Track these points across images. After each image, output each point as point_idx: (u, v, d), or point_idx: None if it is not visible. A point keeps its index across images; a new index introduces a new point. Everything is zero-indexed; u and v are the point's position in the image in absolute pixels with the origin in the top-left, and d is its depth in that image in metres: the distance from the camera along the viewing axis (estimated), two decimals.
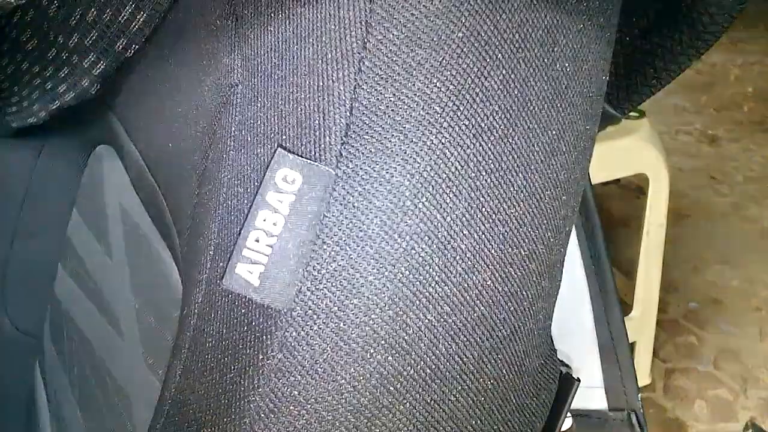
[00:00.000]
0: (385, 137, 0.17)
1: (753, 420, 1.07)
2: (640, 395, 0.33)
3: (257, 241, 0.17)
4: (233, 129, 0.19)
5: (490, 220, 0.18)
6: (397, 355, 0.17)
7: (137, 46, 0.28)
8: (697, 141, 1.97)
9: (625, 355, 0.33)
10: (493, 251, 0.18)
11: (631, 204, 1.42)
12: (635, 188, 1.45)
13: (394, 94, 0.17)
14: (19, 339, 0.51)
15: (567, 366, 0.24)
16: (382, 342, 0.17)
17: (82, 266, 0.44)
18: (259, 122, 0.18)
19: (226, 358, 0.18)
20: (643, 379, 1.08)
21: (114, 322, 0.36)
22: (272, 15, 0.18)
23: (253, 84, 0.19)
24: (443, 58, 0.17)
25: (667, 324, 1.27)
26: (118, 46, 0.27)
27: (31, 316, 0.50)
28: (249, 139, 0.18)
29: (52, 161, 0.47)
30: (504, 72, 0.18)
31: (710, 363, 1.20)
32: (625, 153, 0.91)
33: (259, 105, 0.18)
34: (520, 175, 0.18)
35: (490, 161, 0.18)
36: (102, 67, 0.30)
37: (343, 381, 0.17)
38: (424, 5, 0.17)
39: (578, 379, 0.23)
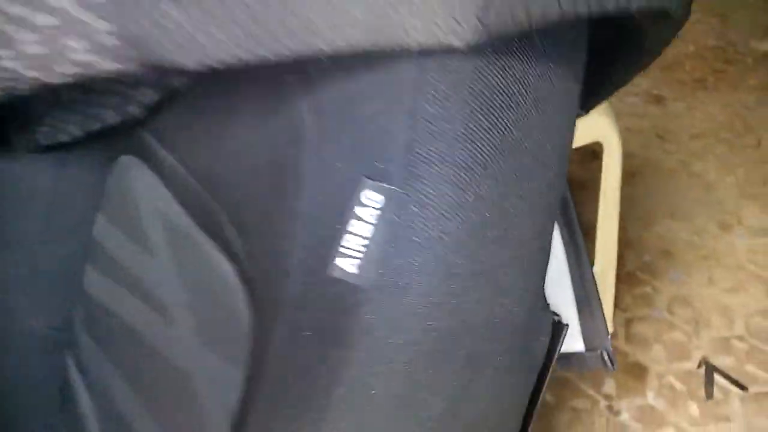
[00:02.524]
0: (437, 179, 0.22)
1: (705, 358, 1.16)
2: (609, 337, 0.41)
3: (351, 240, 0.23)
4: (306, 160, 0.24)
5: (506, 228, 0.24)
6: (449, 314, 0.23)
7: (192, 83, 0.32)
8: (644, 102, 2.04)
9: (597, 306, 0.40)
10: (511, 246, 0.25)
11: (587, 167, 1.48)
12: (590, 153, 1.52)
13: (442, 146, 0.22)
14: (50, 335, 0.55)
15: (557, 315, 0.30)
16: (440, 306, 0.23)
17: (117, 264, 0.48)
18: (333, 159, 0.24)
19: (325, 338, 0.24)
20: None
21: (163, 312, 0.41)
22: (339, 76, 0.23)
23: (322, 128, 0.24)
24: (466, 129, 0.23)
25: (624, 277, 1.34)
26: (175, 82, 0.32)
27: (61, 314, 0.54)
28: (325, 167, 0.24)
29: (77, 170, 0.50)
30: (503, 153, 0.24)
31: (665, 310, 1.27)
32: (582, 125, 0.98)
33: (330, 145, 0.24)
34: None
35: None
36: (155, 99, 0.34)
37: (419, 334, 0.23)
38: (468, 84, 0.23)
39: (567, 325, 0.30)
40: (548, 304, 0.29)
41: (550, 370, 0.34)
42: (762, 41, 2.16)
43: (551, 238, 0.28)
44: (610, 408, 1.07)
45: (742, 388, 1.09)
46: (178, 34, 0.21)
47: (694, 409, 1.07)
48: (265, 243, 0.28)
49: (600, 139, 1.01)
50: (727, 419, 1.04)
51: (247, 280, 0.33)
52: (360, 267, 0.23)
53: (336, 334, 0.24)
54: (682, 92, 2.06)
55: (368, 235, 0.22)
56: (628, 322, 1.26)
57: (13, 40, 0.26)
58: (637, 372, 1.14)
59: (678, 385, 1.11)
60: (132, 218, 0.48)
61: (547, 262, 0.29)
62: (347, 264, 0.23)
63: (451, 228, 0.23)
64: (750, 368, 1.13)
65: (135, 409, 0.45)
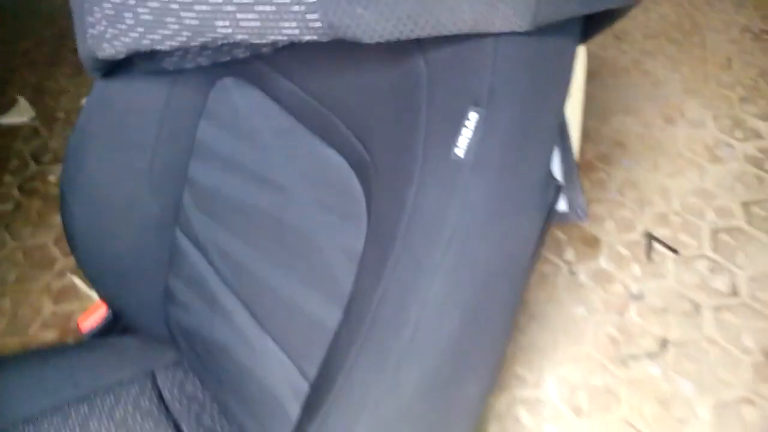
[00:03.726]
0: (510, 102, 0.39)
1: (647, 230, 1.39)
2: (583, 200, 0.59)
3: (461, 140, 0.39)
4: (421, 95, 0.40)
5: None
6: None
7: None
8: None
9: (576, 178, 0.59)
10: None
11: None
12: None
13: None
14: (163, 214, 0.70)
15: (555, 179, 0.48)
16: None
17: (219, 156, 0.64)
18: (441, 94, 0.39)
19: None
20: None
21: (280, 189, 0.58)
22: (443, 41, 0.38)
23: (432, 75, 0.40)
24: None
25: (584, 165, 1.52)
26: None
27: (172, 197, 0.70)
28: (435, 98, 0.39)
29: (184, 88, 0.64)
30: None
31: (616, 192, 1.46)
32: None
33: (439, 86, 0.39)
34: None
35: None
36: (286, 43, 0.48)
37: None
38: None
39: (562, 185, 0.47)
40: (552, 174, 0.47)
41: (550, 220, 0.53)
42: None
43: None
44: (570, 271, 1.30)
45: (675, 252, 1.33)
46: (362, 21, 0.37)
47: (636, 269, 1.30)
48: (388, 154, 0.44)
49: None
50: (662, 276, 1.28)
51: (358, 168, 0.50)
52: (465, 154, 0.39)
53: (439, 203, 0.40)
54: None
55: (470, 136, 0.39)
56: (587, 203, 1.46)
57: (234, 16, 0.42)
58: (592, 242, 1.36)
59: (624, 251, 1.34)
60: (233, 122, 0.63)
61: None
62: (461, 150, 0.39)
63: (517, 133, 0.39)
64: (682, 237, 1.36)
65: (251, 259, 0.62)
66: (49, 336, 1.16)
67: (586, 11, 0.39)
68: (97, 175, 0.68)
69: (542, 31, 0.37)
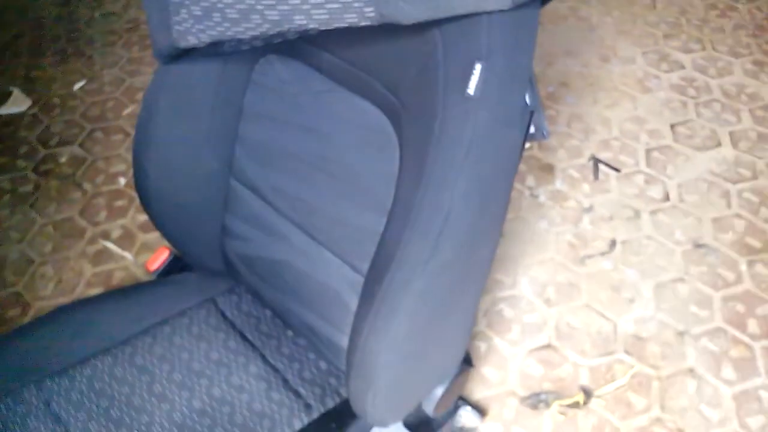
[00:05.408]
0: (502, 55, 0.58)
1: (593, 155, 1.62)
2: (546, 123, 0.81)
3: (471, 83, 0.58)
4: (438, 57, 0.59)
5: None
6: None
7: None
8: None
9: (540, 107, 0.80)
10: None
11: None
12: None
13: None
14: (219, 166, 0.88)
15: (528, 106, 0.68)
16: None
17: (269, 116, 0.82)
18: (454, 55, 0.58)
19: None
20: None
21: (322, 137, 0.77)
22: (453, 19, 0.58)
23: (446, 43, 0.59)
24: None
25: None
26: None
27: (226, 152, 0.88)
28: (449, 60, 0.58)
29: (234, 63, 0.82)
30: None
31: (565, 126, 1.68)
32: None
33: (452, 49, 0.58)
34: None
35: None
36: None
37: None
38: None
39: (533, 112, 0.68)
40: (527, 103, 0.68)
41: (526, 138, 0.74)
42: None
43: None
44: (532, 194, 1.53)
45: (617, 170, 1.57)
46: (403, 10, 0.56)
47: (586, 187, 1.54)
48: (415, 99, 0.63)
49: None
50: (607, 191, 1.53)
51: (389, 113, 0.69)
52: (474, 92, 0.59)
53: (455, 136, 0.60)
54: None
55: (477, 80, 0.58)
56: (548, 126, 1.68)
57: (309, 12, 0.61)
58: (548, 169, 1.58)
59: (575, 174, 1.57)
60: (278, 89, 0.81)
61: None
62: (471, 89, 0.59)
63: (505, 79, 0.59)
64: (622, 158, 1.60)
65: (303, 190, 0.81)
66: (94, 294, 1.33)
67: None
68: (165, 140, 0.86)
69: (517, 6, 0.58)
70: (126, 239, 1.45)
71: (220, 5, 0.65)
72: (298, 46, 0.77)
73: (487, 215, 0.64)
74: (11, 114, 1.79)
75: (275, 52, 0.80)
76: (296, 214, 0.83)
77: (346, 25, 0.59)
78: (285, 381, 0.84)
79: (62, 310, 0.92)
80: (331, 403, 0.82)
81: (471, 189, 0.61)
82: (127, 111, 1.77)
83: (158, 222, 0.94)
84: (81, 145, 1.69)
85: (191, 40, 0.70)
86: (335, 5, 0.58)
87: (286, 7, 0.61)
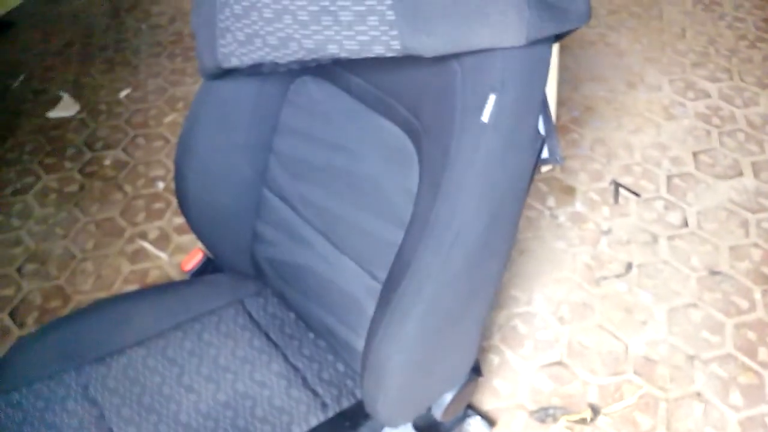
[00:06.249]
0: (515, 86, 0.64)
1: (614, 179, 1.64)
2: (560, 149, 0.86)
3: (486, 109, 0.64)
4: (457, 86, 0.65)
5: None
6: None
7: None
8: None
9: (554, 131, 0.85)
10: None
11: None
12: None
13: None
14: (253, 175, 0.95)
15: (540, 134, 0.74)
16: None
17: (302, 132, 0.89)
18: (471, 84, 0.64)
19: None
20: None
21: (351, 154, 0.83)
22: (471, 53, 0.64)
23: (464, 74, 0.64)
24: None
25: (560, 128, 1.77)
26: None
27: (259, 162, 0.95)
28: (467, 89, 0.64)
29: (270, 84, 0.89)
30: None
31: (588, 149, 1.71)
32: None
33: (468, 79, 0.64)
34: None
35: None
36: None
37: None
38: None
39: (545, 137, 0.73)
40: (538, 130, 0.73)
41: (538, 162, 0.79)
42: None
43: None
44: (552, 215, 1.57)
45: (637, 195, 1.60)
46: (426, 44, 0.62)
47: (605, 210, 1.57)
48: (435, 122, 0.69)
49: None
50: (626, 215, 1.56)
51: (410, 134, 0.75)
52: (489, 118, 0.64)
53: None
54: None
55: (490, 109, 0.64)
56: (562, 152, 1.71)
57: (341, 42, 0.67)
58: (569, 191, 1.62)
59: (595, 197, 1.61)
60: (311, 108, 0.88)
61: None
62: (485, 117, 0.64)
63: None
64: (643, 183, 1.63)
65: (329, 201, 0.87)
66: (131, 290, 1.41)
67: (557, 32, 0.65)
68: (205, 149, 0.93)
69: (531, 43, 0.63)
70: (162, 240, 1.53)
71: (261, 32, 0.72)
72: (330, 69, 0.84)
73: (496, 231, 0.69)
74: (60, 117, 1.90)
75: (310, 73, 0.87)
76: (321, 223, 0.89)
77: (374, 55, 0.66)
78: (304, 380, 0.90)
79: (101, 304, 1.00)
80: (346, 404, 0.88)
81: (482, 207, 0.66)
82: (168, 119, 1.86)
83: (194, 225, 1.01)
84: (124, 150, 1.78)
85: (234, 62, 0.77)
86: (365, 37, 0.65)
87: (321, 37, 0.67)
